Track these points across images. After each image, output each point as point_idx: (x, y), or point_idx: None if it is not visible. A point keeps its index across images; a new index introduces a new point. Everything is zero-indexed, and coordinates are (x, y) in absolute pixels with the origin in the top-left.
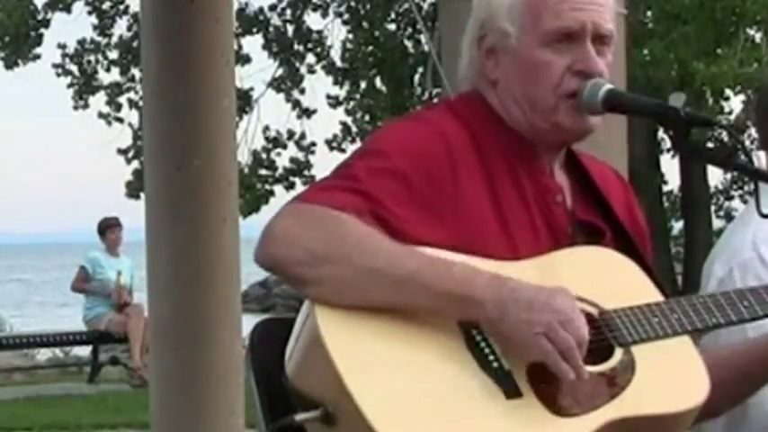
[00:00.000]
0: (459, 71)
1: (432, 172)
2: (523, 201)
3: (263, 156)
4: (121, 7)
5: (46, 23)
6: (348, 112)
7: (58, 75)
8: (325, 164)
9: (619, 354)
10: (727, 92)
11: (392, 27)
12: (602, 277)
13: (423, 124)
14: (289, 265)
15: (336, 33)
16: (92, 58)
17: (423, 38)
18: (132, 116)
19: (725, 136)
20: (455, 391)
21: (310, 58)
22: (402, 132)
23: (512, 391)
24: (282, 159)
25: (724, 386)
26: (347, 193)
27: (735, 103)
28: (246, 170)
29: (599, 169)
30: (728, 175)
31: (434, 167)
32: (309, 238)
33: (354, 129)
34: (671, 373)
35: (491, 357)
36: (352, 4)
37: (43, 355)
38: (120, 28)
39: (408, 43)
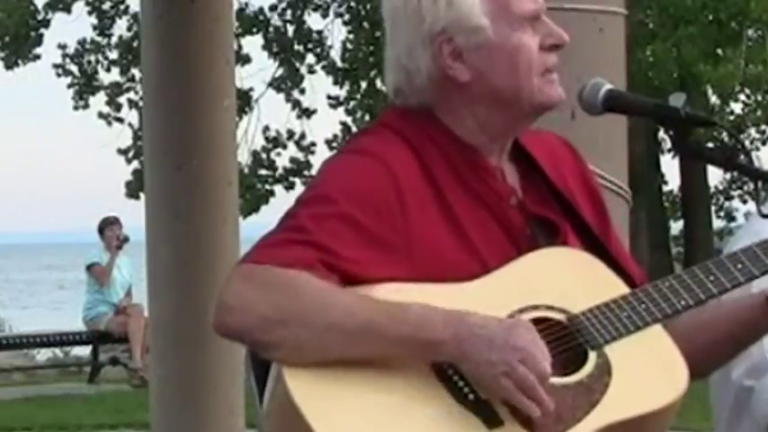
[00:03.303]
0: (398, 87)
1: (379, 208)
2: (479, 213)
3: (263, 156)
4: (121, 7)
5: (46, 23)
6: (348, 113)
7: (59, 75)
8: None
9: (593, 358)
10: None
11: None
12: (567, 280)
13: (364, 157)
14: (246, 332)
15: (337, 33)
16: (92, 58)
17: None
18: (132, 116)
19: (725, 136)
20: (438, 430)
21: (310, 59)
22: (344, 171)
23: (492, 421)
24: (282, 159)
25: (711, 348)
26: (295, 246)
27: (734, 103)
28: (246, 170)
29: (544, 144)
30: (728, 176)
31: (381, 203)
32: (262, 303)
33: (354, 129)
34: (647, 369)
35: (466, 390)
36: (353, 4)
37: (43, 355)
38: (120, 28)
39: None
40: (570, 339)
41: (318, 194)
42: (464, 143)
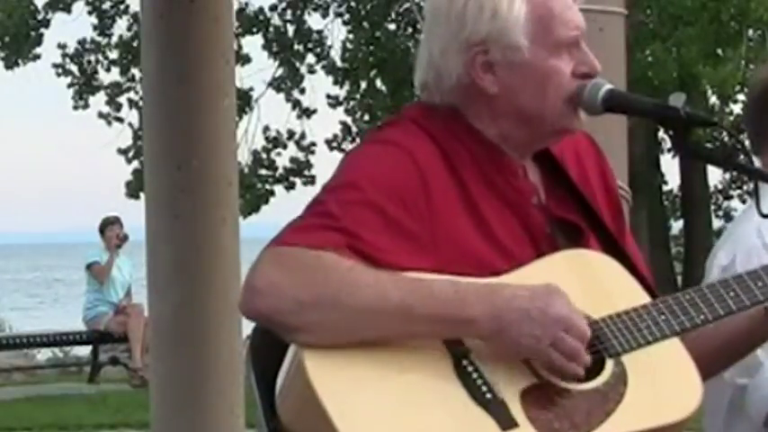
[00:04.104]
0: (426, 83)
1: (405, 198)
2: (501, 209)
3: (263, 156)
4: (121, 7)
5: (46, 23)
6: (348, 112)
7: (59, 75)
8: (325, 164)
9: (610, 366)
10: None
11: (392, 27)
12: (587, 284)
13: (391, 148)
14: (275, 315)
15: (336, 33)
16: (92, 57)
17: None
18: (132, 116)
19: (725, 136)
20: (451, 427)
21: (310, 58)
22: (371, 160)
23: (508, 423)
24: (282, 159)
25: (712, 355)
26: (324, 230)
27: (733, 104)
28: (246, 170)
29: (569, 140)
30: (728, 175)
31: (407, 193)
32: (292, 285)
33: (354, 128)
34: (663, 381)
35: (483, 388)
36: (353, 4)
37: (43, 354)
38: (120, 28)
39: (409, 43)
40: (589, 345)
41: (346, 182)
42: (488, 141)
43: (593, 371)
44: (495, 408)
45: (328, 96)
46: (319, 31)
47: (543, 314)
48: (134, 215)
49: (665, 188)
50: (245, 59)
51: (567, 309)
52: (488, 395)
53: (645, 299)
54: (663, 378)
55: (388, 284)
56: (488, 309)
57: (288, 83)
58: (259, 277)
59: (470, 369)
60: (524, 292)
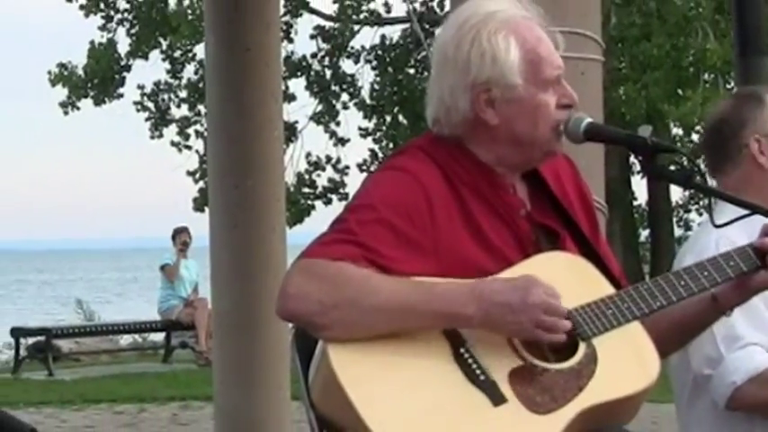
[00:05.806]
0: (437, 118)
1: (412, 214)
2: (494, 220)
3: (306, 177)
4: (190, 55)
5: (128, 68)
6: (375, 141)
7: (138, 110)
8: (357, 183)
9: (583, 348)
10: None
11: (412, 71)
12: (563, 280)
13: (400, 173)
14: (305, 316)
15: (366, 76)
16: (165, 96)
17: None
18: (198, 144)
19: (685, 161)
20: (452, 405)
21: (344, 97)
22: (384, 184)
23: (498, 399)
24: (322, 180)
25: (668, 333)
26: (344, 244)
27: (693, 135)
28: (292, 188)
29: (552, 161)
30: (687, 193)
31: (414, 211)
32: (318, 291)
33: (381, 155)
34: (627, 358)
35: (478, 371)
36: (380, 52)
37: (125, 340)
38: (189, 72)
39: (426, 85)
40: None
41: (363, 203)
42: (484, 165)
43: (569, 353)
44: (488, 387)
45: (359, 128)
46: (352, 75)
47: (524, 303)
48: (200, 226)
49: (635, 203)
50: (290, 98)
51: (544, 295)
52: (482, 377)
53: (610, 290)
54: (627, 357)
55: (397, 287)
56: (478, 305)
57: (326, 117)
58: (290, 284)
59: (467, 356)
60: (506, 286)
